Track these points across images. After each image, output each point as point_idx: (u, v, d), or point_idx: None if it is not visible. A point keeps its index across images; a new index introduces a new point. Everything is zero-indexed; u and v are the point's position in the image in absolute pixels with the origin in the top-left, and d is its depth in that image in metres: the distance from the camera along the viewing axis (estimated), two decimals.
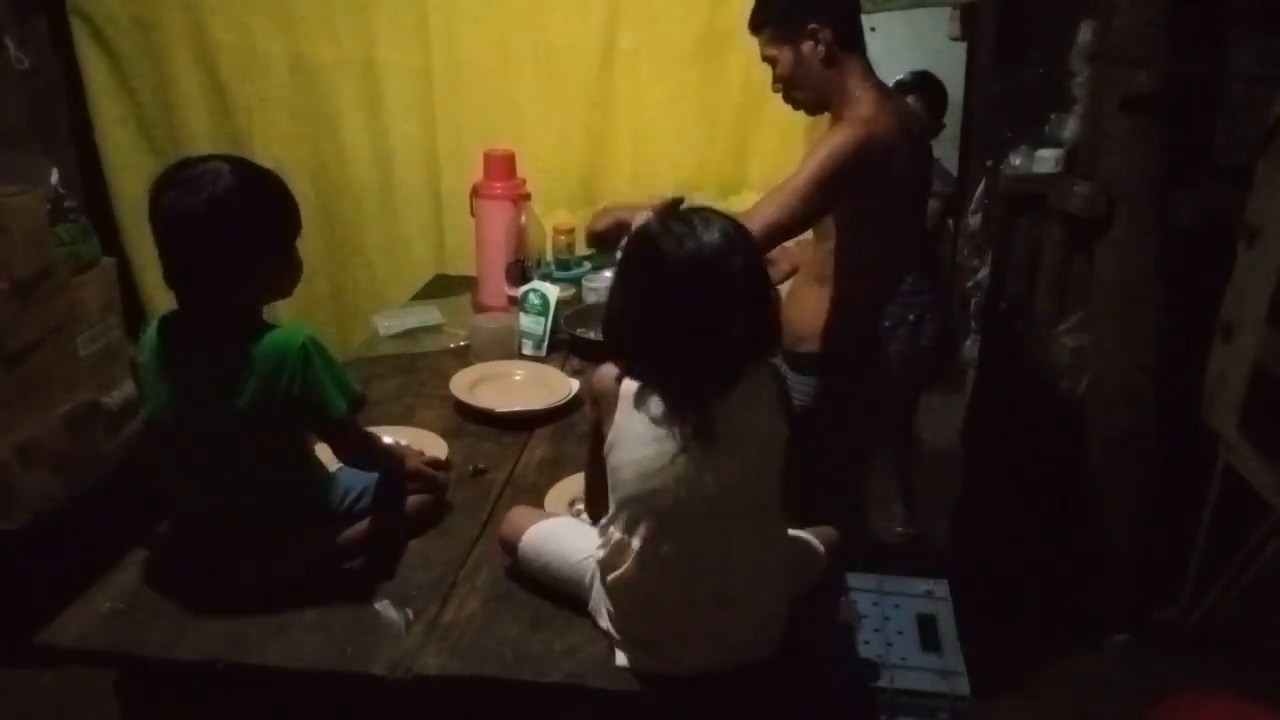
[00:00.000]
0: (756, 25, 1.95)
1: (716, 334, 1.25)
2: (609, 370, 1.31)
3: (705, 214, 1.31)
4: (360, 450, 1.50)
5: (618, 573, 1.27)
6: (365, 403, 1.49)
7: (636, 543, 1.25)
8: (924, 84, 2.95)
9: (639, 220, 1.91)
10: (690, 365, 1.25)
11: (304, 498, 1.46)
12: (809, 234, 2.01)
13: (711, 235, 1.26)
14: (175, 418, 1.39)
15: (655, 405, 1.25)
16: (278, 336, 1.35)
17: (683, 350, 1.25)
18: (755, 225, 1.65)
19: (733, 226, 1.29)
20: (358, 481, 1.53)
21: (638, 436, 1.25)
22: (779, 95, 2.00)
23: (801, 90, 1.95)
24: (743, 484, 1.26)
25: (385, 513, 1.52)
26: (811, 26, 1.87)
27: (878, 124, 1.82)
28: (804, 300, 1.99)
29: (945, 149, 4.13)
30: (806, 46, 1.88)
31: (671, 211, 1.45)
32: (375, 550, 1.50)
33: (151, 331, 1.42)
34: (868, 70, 1.92)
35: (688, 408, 1.24)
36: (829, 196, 1.79)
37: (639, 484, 1.24)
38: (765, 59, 1.96)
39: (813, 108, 2.01)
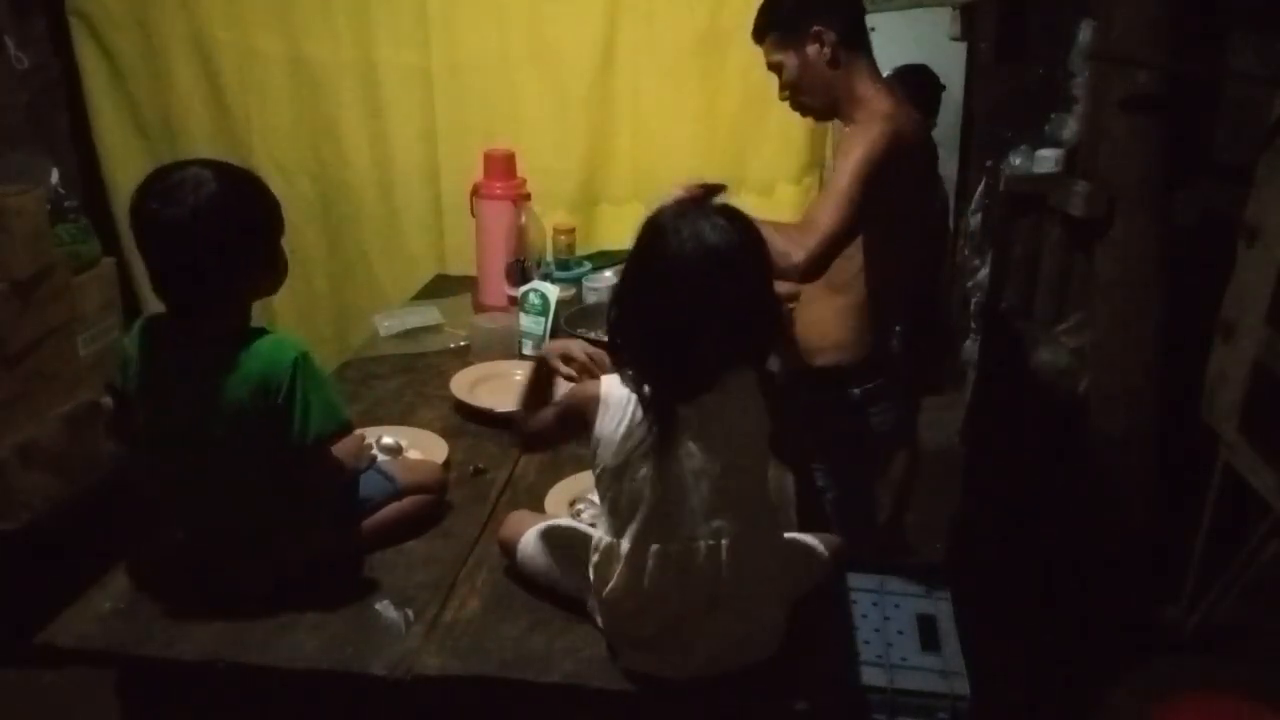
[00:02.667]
0: (760, 32, 1.95)
1: (694, 337, 1.23)
2: (586, 388, 1.31)
3: (721, 215, 1.25)
4: (330, 481, 1.45)
5: (610, 584, 1.26)
6: (351, 430, 1.44)
7: (626, 544, 1.24)
8: (910, 80, 2.87)
9: (665, 199, 1.90)
10: (665, 362, 1.24)
11: (300, 499, 1.46)
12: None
13: (715, 240, 1.22)
14: (169, 423, 1.38)
15: (632, 403, 1.24)
16: (269, 344, 1.34)
17: (660, 346, 1.24)
18: (813, 240, 1.70)
19: (742, 235, 1.25)
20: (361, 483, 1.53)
21: (616, 435, 1.24)
22: (786, 101, 1.99)
23: (809, 95, 1.94)
24: (724, 483, 1.25)
25: (337, 530, 1.49)
26: (815, 29, 1.87)
27: (900, 121, 1.82)
28: (818, 310, 1.97)
29: (946, 148, 4.14)
30: (812, 50, 1.88)
31: (699, 202, 1.42)
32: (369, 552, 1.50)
33: (135, 334, 1.42)
34: (875, 71, 1.92)
35: (660, 406, 1.23)
36: (873, 196, 1.77)
37: (619, 483, 1.24)
38: (771, 66, 1.96)
39: (821, 113, 2.01)
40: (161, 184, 1.32)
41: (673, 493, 1.23)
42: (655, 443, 1.22)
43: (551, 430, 1.37)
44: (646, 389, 1.24)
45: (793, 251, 1.72)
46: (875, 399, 2.01)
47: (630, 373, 1.27)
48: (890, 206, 1.82)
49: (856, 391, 1.99)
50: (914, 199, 1.88)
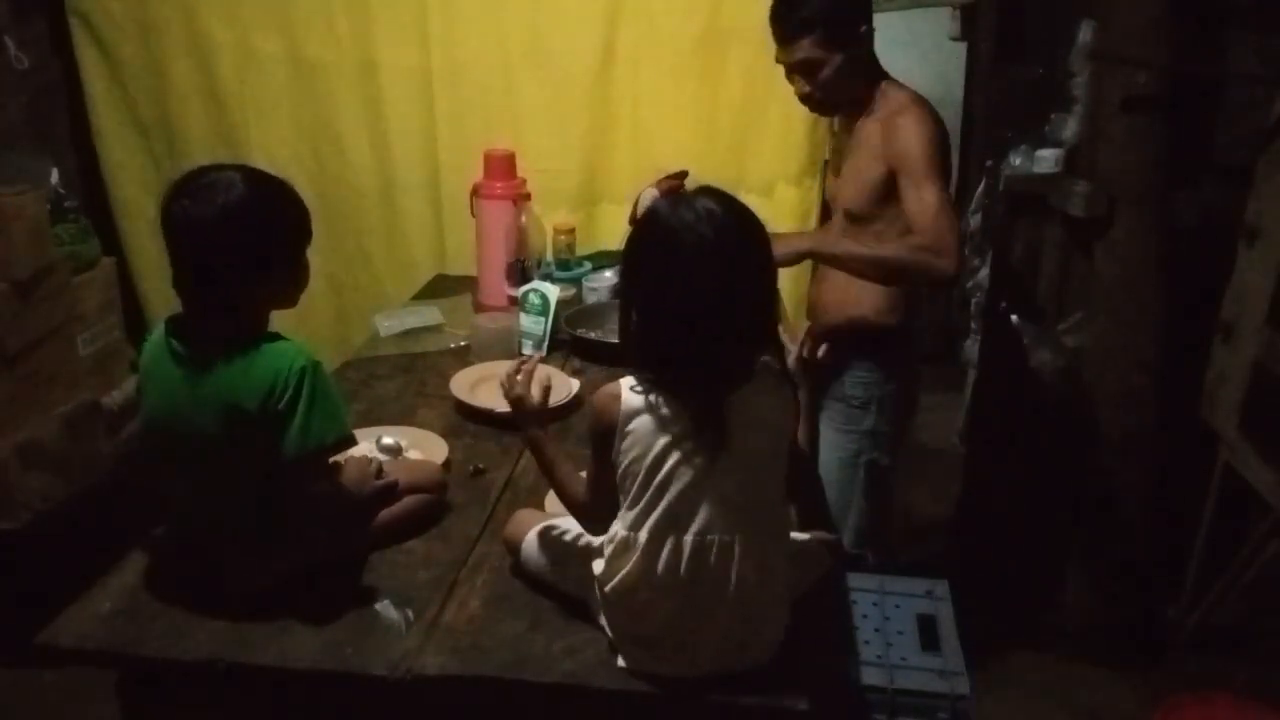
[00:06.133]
0: (798, 29, 1.89)
1: (730, 321, 1.21)
2: (607, 391, 1.27)
3: (715, 195, 1.24)
4: (325, 493, 1.42)
5: (620, 575, 1.26)
6: (353, 444, 1.45)
7: (643, 536, 1.24)
8: None
9: (644, 199, 1.91)
10: (703, 355, 1.22)
11: (297, 506, 1.44)
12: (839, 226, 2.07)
13: (725, 218, 1.21)
14: (174, 418, 1.39)
15: (664, 401, 1.23)
16: (280, 350, 1.35)
17: (696, 338, 1.21)
18: (951, 239, 1.79)
19: (743, 209, 1.24)
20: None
21: (647, 436, 1.23)
22: (791, 96, 2.00)
23: (840, 93, 1.95)
24: (751, 479, 1.25)
25: (338, 532, 1.48)
26: (864, 28, 1.89)
27: (924, 100, 1.89)
28: (851, 285, 1.99)
29: None
30: (856, 50, 1.90)
31: (678, 190, 1.41)
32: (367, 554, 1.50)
33: (158, 333, 1.42)
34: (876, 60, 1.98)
35: (699, 399, 1.22)
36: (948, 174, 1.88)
37: (649, 479, 1.23)
38: (798, 65, 1.92)
39: (842, 110, 2.03)
40: (195, 183, 1.35)
41: (697, 487, 1.23)
42: (696, 435, 1.21)
43: (598, 472, 1.30)
44: (685, 386, 1.22)
45: (940, 262, 1.80)
46: (911, 361, 2.10)
47: (655, 375, 1.24)
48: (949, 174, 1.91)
49: (896, 348, 2.05)
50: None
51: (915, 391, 2.18)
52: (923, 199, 1.83)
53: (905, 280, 1.96)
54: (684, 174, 2.09)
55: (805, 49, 1.89)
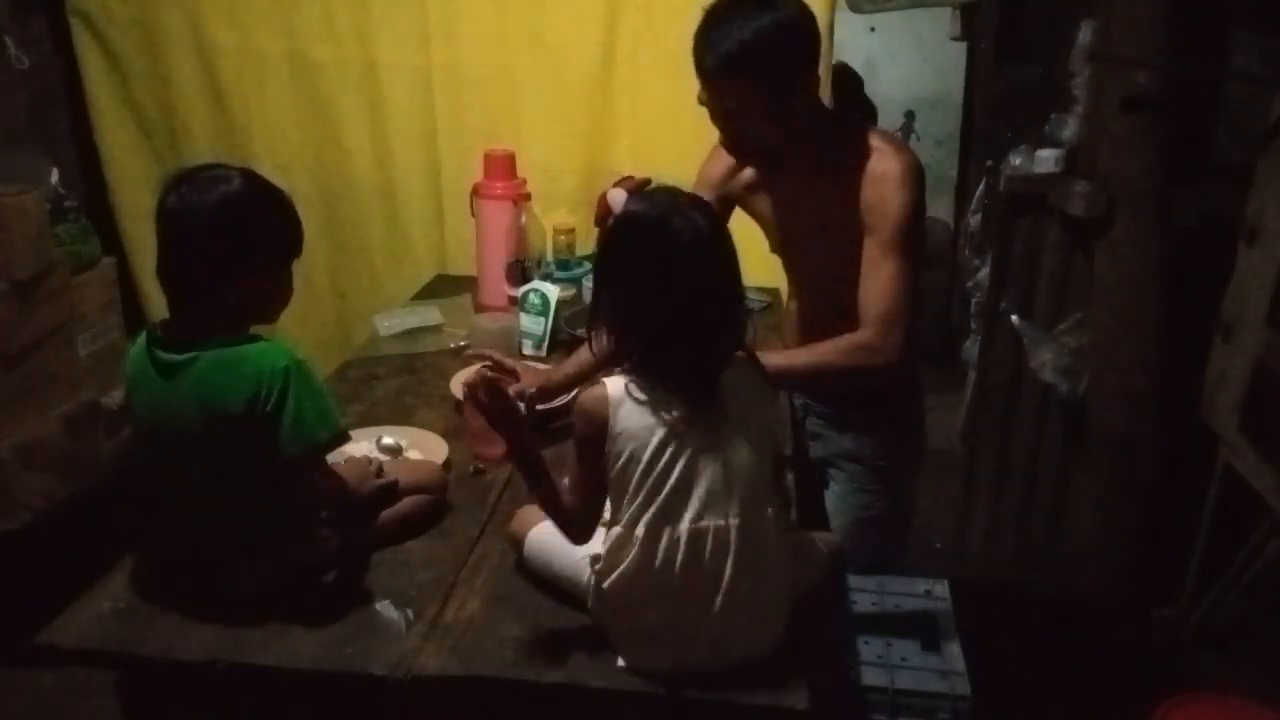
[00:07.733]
0: (722, 68, 1.55)
1: (727, 302, 1.26)
2: (592, 394, 1.26)
3: (675, 190, 1.30)
4: (324, 490, 1.42)
5: (619, 570, 1.26)
6: (348, 439, 1.44)
7: (640, 531, 1.24)
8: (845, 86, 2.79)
9: (612, 199, 1.89)
10: (702, 340, 1.24)
11: (295, 507, 1.44)
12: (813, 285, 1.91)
13: (699, 206, 1.27)
14: (161, 424, 1.39)
15: (655, 394, 1.24)
16: (260, 352, 1.34)
17: (698, 324, 1.24)
18: (897, 334, 1.61)
19: (703, 199, 1.30)
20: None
21: (643, 430, 1.23)
22: (722, 136, 1.68)
23: (769, 138, 1.65)
24: (744, 467, 1.26)
25: (347, 529, 1.47)
26: (805, 78, 1.60)
27: (908, 153, 1.66)
28: None
29: (946, 148, 4.14)
30: (796, 100, 1.61)
31: (642, 190, 1.43)
32: (356, 559, 1.49)
33: (140, 341, 1.42)
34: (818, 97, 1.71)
35: (695, 386, 1.24)
36: (921, 246, 1.66)
37: (648, 472, 1.23)
38: (724, 108, 1.60)
39: (766, 165, 1.76)
40: (195, 174, 1.36)
41: (691, 476, 1.24)
42: (691, 427, 1.23)
43: (585, 475, 1.28)
44: (681, 378, 1.24)
45: (878, 358, 1.63)
46: (918, 407, 2.02)
47: (647, 369, 1.25)
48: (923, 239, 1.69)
49: (908, 402, 1.97)
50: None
51: (924, 429, 2.08)
52: (881, 275, 1.63)
53: (845, 382, 1.77)
54: (646, 180, 2.03)
55: (728, 92, 1.57)
